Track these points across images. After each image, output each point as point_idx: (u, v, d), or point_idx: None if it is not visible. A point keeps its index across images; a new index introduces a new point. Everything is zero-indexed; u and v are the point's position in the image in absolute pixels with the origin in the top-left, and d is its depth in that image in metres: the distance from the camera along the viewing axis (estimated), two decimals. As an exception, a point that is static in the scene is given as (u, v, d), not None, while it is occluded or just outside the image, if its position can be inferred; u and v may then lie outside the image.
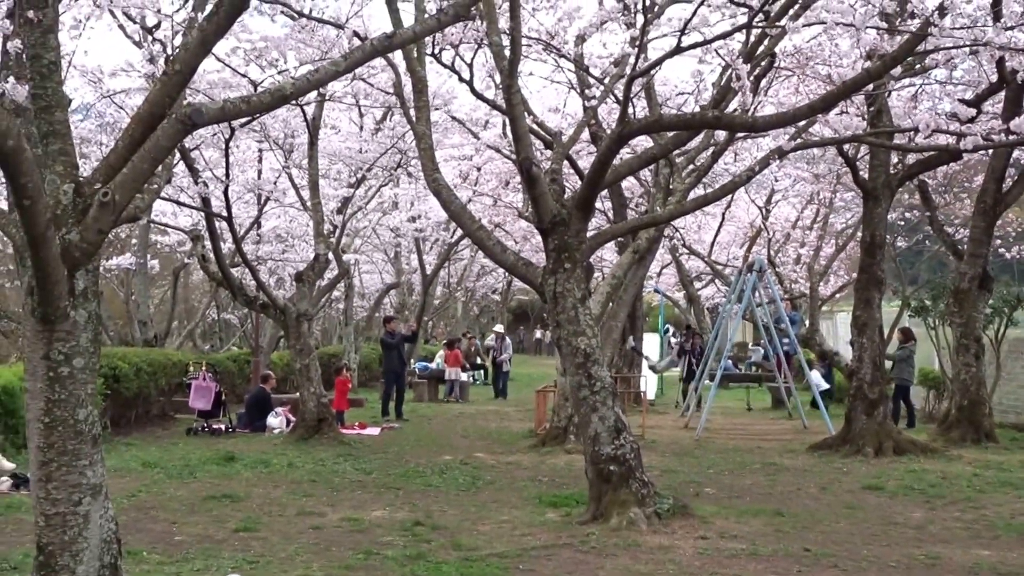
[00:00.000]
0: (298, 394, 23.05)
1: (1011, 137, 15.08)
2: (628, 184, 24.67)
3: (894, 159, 21.75)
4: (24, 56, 7.52)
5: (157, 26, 17.04)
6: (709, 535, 12.61)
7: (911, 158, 21.49)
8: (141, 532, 12.11)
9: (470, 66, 17.99)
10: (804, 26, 14.75)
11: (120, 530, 8.05)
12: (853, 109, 18.97)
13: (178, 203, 24.33)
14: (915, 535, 13.04)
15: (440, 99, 21.93)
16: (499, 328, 42.01)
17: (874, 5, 15.25)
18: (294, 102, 18.79)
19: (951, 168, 26.06)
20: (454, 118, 24.56)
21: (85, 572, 7.66)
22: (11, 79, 7.30)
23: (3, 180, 7.29)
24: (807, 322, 31.16)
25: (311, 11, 18.57)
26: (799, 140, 15.69)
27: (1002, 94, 18.62)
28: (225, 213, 22.30)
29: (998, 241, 25.55)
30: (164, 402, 25.58)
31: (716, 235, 36.99)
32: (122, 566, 8.00)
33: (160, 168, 9.32)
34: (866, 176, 21.63)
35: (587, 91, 19.67)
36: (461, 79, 17.90)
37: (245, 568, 10.70)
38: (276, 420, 24.16)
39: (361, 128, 27.87)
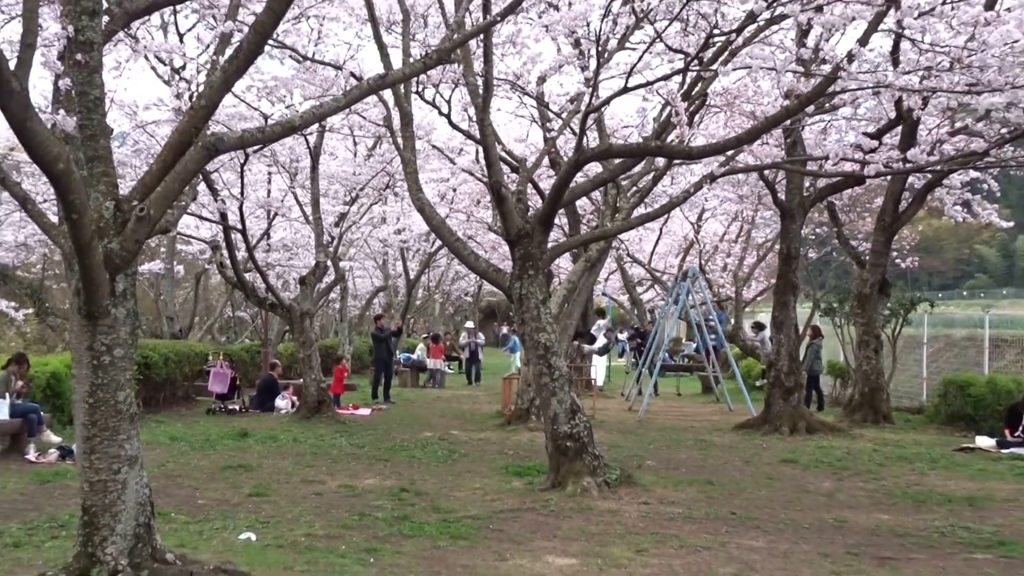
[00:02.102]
0: (301, 380, 23.04)
1: (907, 165, 15.20)
2: (581, 203, 24.69)
3: (807, 183, 21.87)
4: (73, 92, 7.51)
5: (183, 67, 17.02)
6: (650, 501, 12.70)
7: (821, 182, 21.59)
8: (169, 496, 12.09)
9: (448, 102, 17.99)
10: (732, 70, 14.86)
11: (152, 494, 8.04)
12: (773, 140, 19.10)
13: (200, 217, 24.27)
14: (825, 501, 13.14)
15: (422, 130, 21.87)
16: (469, 325, 42.09)
17: (791, 52, 15.36)
18: (300, 132, 18.77)
19: (855, 191, 26.14)
20: (434, 146, 24.54)
21: (123, 530, 7.65)
22: (61, 112, 7.28)
23: (55, 197, 7.28)
24: (732, 321, 31.31)
25: (314, 55, 18.64)
26: (727, 166, 15.75)
27: (899, 128, 18.70)
28: (240, 226, 22.32)
29: (895, 253, 25.60)
30: (188, 386, 25.48)
31: (655, 246, 37.13)
32: (154, 525, 7.99)
33: (187, 188, 9.30)
34: (783, 197, 21.80)
35: (547, 124, 19.73)
36: (441, 113, 17.94)
37: (258, 527, 10.68)
38: (283, 402, 24.16)
39: (355, 154, 27.82)
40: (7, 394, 15.93)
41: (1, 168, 7.75)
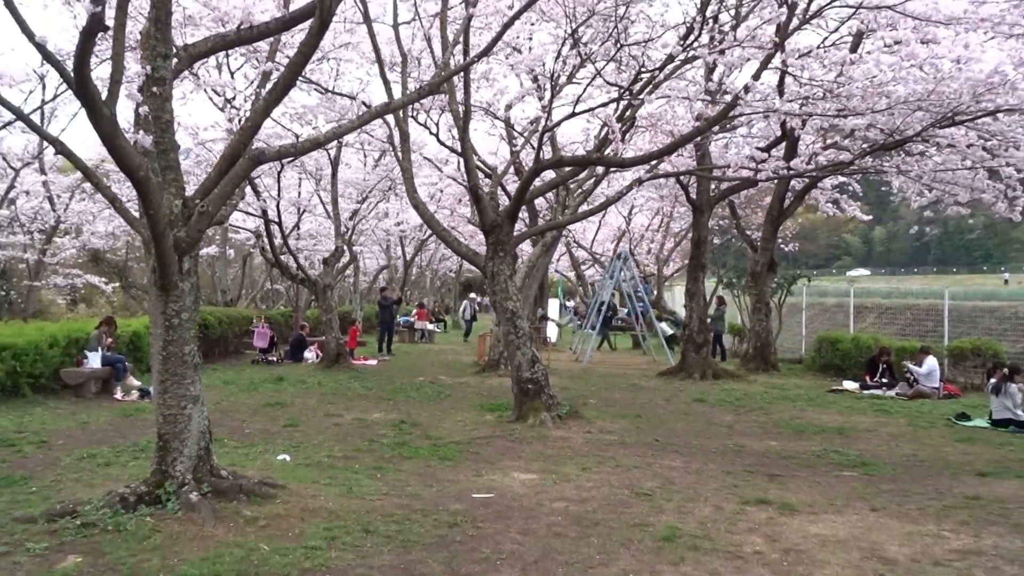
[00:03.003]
0: (324, 337, 23.03)
1: (790, 172, 15.32)
2: (539, 201, 24.71)
3: (712, 186, 22.01)
4: (149, 117, 7.54)
5: (234, 98, 17.02)
6: (592, 430, 12.83)
7: (724, 185, 21.74)
8: (223, 427, 12.13)
9: (436, 124, 17.98)
10: (655, 98, 14.97)
11: (210, 425, 8.11)
12: (687, 153, 19.20)
13: (246, 212, 24.18)
14: (727, 431, 13.29)
15: (416, 145, 21.86)
16: (473, 296, 42.51)
17: (701, 85, 15.48)
18: (323, 147, 18.74)
19: (750, 192, 26.36)
20: (426, 158, 24.51)
21: (189, 452, 7.71)
22: (141, 132, 7.31)
23: (136, 197, 7.32)
24: (655, 292, 31.52)
25: (333, 88, 18.59)
26: (652, 173, 15.81)
27: (784, 144, 18.84)
28: (277, 219, 22.31)
29: (780, 240, 25.84)
30: (237, 342, 25.40)
31: (595, 234, 37.35)
32: (212, 449, 8.05)
33: (237, 190, 9.33)
34: (695, 196, 21.92)
35: (513, 141, 19.75)
36: (430, 132, 17.94)
37: (291, 450, 10.75)
38: (310, 354, 24.17)
39: (365, 164, 27.84)
40: (99, 348, 15.94)
41: (96, 175, 7.78)
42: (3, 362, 14.15)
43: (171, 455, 7.67)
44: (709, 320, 22.76)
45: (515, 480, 9.41)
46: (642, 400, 16.85)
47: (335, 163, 23.02)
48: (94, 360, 15.79)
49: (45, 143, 23.76)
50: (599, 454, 11.02)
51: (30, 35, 6.34)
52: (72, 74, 6.30)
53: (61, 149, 7.40)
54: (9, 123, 21.56)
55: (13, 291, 28.63)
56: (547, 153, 17.74)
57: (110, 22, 6.46)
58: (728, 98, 13.62)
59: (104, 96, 6.59)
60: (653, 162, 15.02)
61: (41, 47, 6.34)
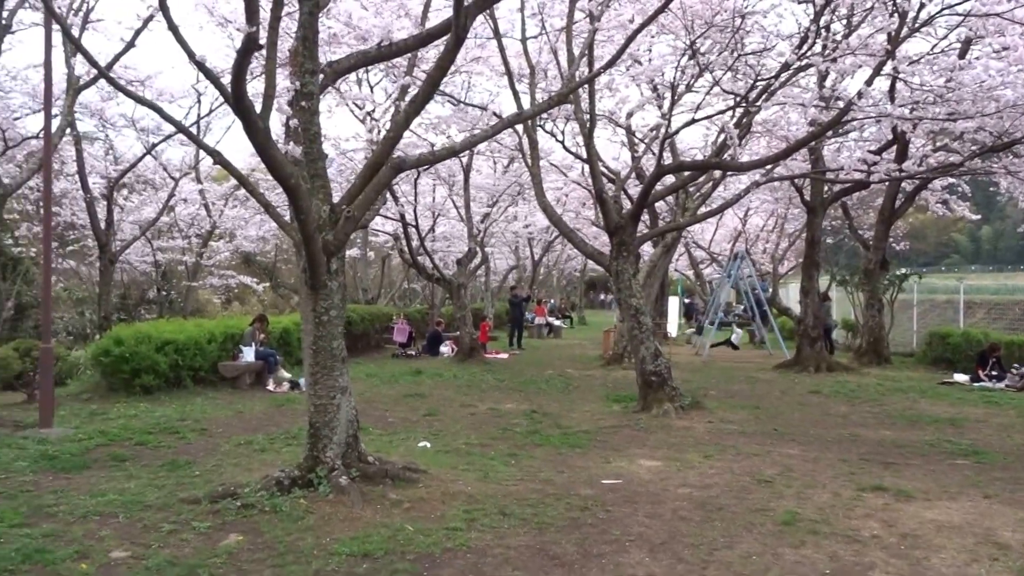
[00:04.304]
0: (458, 333, 23.16)
1: (900, 174, 14.76)
2: (659, 204, 24.29)
3: (826, 188, 21.33)
4: (299, 129, 7.58)
5: (373, 111, 17.20)
6: (713, 420, 12.50)
7: (837, 187, 21.06)
8: (367, 416, 12.20)
9: (562, 132, 17.90)
10: (771, 105, 14.52)
11: (357, 414, 8.12)
12: (800, 157, 18.60)
13: (385, 216, 24.50)
14: (842, 421, 12.79)
15: (543, 152, 21.72)
16: (610, 297, 42.43)
17: (815, 92, 14.96)
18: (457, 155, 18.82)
19: (862, 193, 25.36)
20: (552, 164, 24.40)
21: (338, 439, 7.72)
22: (291, 143, 7.35)
23: (287, 203, 7.36)
24: (770, 289, 30.72)
25: (465, 99, 18.61)
26: (767, 176, 15.38)
27: (895, 147, 18.14)
28: (414, 223, 22.47)
29: (891, 239, 24.87)
30: (378, 337, 25.79)
31: (713, 235, 36.58)
32: (359, 436, 8.07)
33: (378, 195, 9.35)
34: (808, 198, 21.28)
35: (634, 147, 19.46)
36: (557, 139, 17.80)
37: (431, 438, 10.75)
38: (445, 348, 24.31)
39: (495, 170, 27.87)
40: (253, 343, 16.29)
41: (251, 183, 7.86)
42: (167, 356, 14.60)
43: (322, 442, 7.69)
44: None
45: (641, 467, 9.17)
46: (760, 392, 16.36)
47: (467, 170, 23.10)
48: (248, 354, 16.14)
49: (201, 154, 24.62)
50: (720, 443, 10.72)
51: (191, 55, 6.42)
52: (230, 90, 6.35)
53: (219, 160, 7.47)
54: (170, 136, 22.26)
55: (173, 291, 29.79)
56: (667, 159, 17.41)
57: (262, 41, 6.48)
58: (841, 104, 13.16)
59: (258, 110, 6.64)
60: (769, 166, 14.60)
61: (201, 65, 6.41)
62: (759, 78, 13.95)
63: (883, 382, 17.96)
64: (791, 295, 35.18)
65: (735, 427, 11.98)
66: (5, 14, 13.76)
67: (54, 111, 14.16)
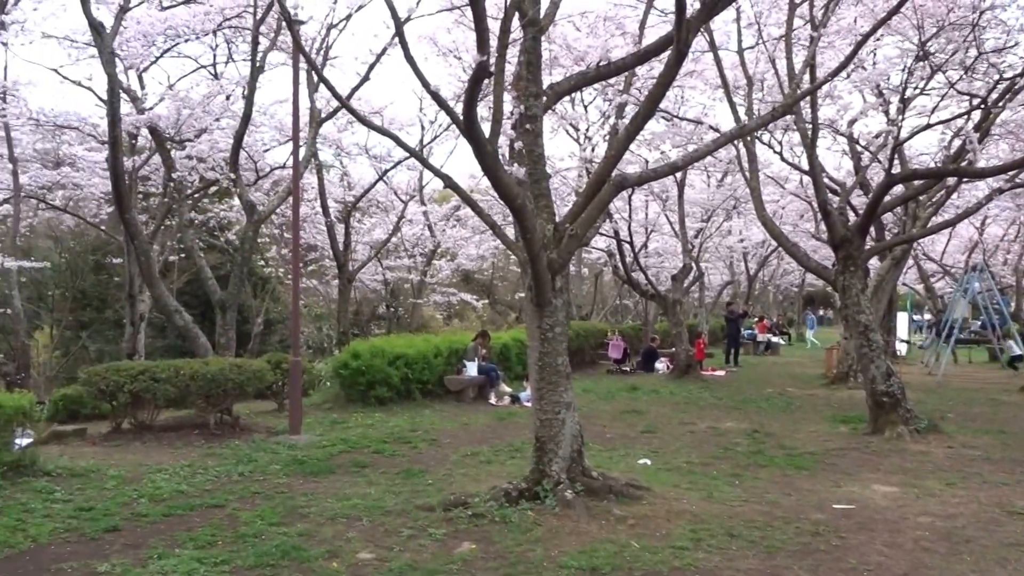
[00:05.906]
0: (674, 349, 23.01)
1: None
2: (885, 215, 23.29)
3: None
4: (523, 150, 7.82)
5: (587, 129, 17.44)
6: (954, 445, 11.74)
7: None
8: (586, 431, 12.14)
9: (780, 143, 17.49)
10: (1017, 106, 13.69)
11: (581, 429, 8.26)
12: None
13: (599, 233, 24.69)
14: (1103, 448, 11.72)
15: (760, 164, 21.23)
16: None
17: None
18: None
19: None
20: (768, 175, 23.86)
21: (563, 454, 7.89)
22: (515, 164, 7.59)
23: (512, 222, 7.60)
24: (1012, 304, 28.73)
25: (678, 113, 18.51)
26: (1012, 182, 14.39)
27: None
28: (628, 239, 22.53)
29: None
30: (593, 353, 25.96)
31: (945, 246, 34.58)
32: (583, 451, 8.21)
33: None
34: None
35: (857, 156, 18.74)
36: (774, 151, 17.40)
37: (650, 455, 10.76)
38: (661, 365, 24.18)
39: (708, 184, 27.55)
40: (476, 358, 16.85)
41: (478, 205, 8.17)
42: (398, 369, 15.40)
43: (547, 456, 7.87)
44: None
45: (875, 492, 8.80)
46: (1004, 415, 15.22)
47: (681, 184, 22.95)
48: (472, 369, 16.71)
49: (424, 177, 26.08)
50: (963, 469, 10.08)
51: (426, 84, 6.78)
52: (461, 117, 6.65)
53: (450, 184, 7.83)
54: (400, 162, 23.62)
55: (400, 307, 31.33)
56: (896, 167, 16.68)
57: (491, 68, 6.75)
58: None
59: (487, 134, 6.91)
60: (1012, 171, 13.72)
61: (436, 95, 6.76)
62: (1002, 78, 13.18)
63: None
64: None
65: (979, 453, 11.22)
66: (259, 56, 15.07)
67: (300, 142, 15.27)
